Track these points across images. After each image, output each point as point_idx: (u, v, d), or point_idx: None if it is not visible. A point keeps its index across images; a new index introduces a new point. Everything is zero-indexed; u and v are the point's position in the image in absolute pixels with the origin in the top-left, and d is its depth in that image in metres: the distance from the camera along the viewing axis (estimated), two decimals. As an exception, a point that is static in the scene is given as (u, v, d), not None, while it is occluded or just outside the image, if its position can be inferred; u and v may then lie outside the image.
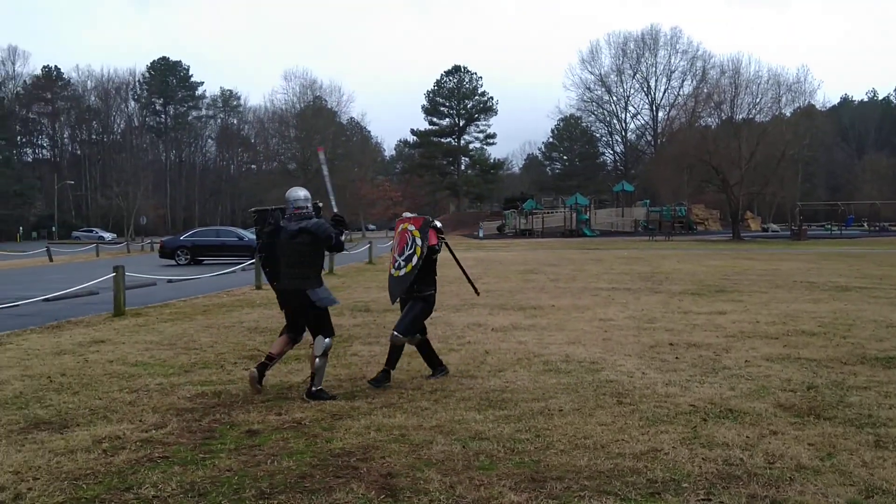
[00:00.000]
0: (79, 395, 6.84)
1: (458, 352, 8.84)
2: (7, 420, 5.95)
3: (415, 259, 6.88)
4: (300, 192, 6.88)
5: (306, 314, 6.76)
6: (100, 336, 10.42)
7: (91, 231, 77.10)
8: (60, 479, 4.55)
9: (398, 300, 7.22)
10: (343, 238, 7.02)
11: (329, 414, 6.06)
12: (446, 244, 7.39)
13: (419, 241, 6.89)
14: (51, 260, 35.16)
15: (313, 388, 6.58)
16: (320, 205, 7.09)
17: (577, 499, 4.15)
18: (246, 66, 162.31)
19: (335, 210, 7.24)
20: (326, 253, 7.13)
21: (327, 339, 6.67)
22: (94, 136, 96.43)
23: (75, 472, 4.70)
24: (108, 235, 74.89)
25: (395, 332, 7.02)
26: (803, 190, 78.23)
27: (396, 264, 7.07)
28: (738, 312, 12.16)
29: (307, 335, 6.91)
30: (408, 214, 7.55)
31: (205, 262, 29.26)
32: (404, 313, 7.11)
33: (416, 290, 7.06)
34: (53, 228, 76.93)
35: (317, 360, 6.57)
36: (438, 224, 7.30)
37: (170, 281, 19.73)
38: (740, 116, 57.63)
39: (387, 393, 6.78)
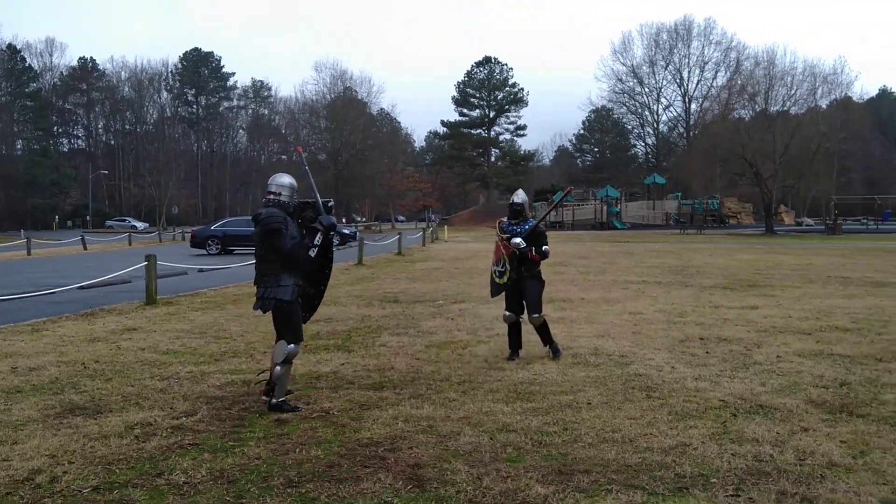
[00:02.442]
0: (112, 381, 6.96)
1: (486, 343, 8.85)
2: (44, 405, 6.07)
3: (505, 277, 7.86)
4: (280, 179, 6.03)
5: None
6: (132, 324, 10.58)
7: (124, 220, 78.07)
8: (94, 464, 4.64)
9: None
10: (314, 243, 5.92)
11: (357, 404, 6.10)
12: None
13: (509, 266, 7.79)
14: (85, 248, 35.68)
15: (273, 401, 5.87)
16: (331, 203, 6.32)
17: (604, 492, 4.14)
18: (277, 57, 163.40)
19: (321, 209, 6.15)
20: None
21: (290, 346, 5.87)
22: (127, 127, 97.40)
23: (108, 456, 4.78)
24: (140, 225, 75.86)
25: (534, 315, 7.81)
26: (839, 184, 76.46)
27: (497, 273, 7.98)
28: (769, 307, 12.01)
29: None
30: (505, 227, 7.98)
31: (235, 251, 29.51)
32: (529, 297, 7.82)
33: (525, 272, 7.80)
34: (88, 217, 78.10)
35: (276, 367, 5.86)
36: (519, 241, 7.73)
37: (200, 270, 19.95)
38: (775, 109, 56.60)
39: (415, 384, 6.81)
